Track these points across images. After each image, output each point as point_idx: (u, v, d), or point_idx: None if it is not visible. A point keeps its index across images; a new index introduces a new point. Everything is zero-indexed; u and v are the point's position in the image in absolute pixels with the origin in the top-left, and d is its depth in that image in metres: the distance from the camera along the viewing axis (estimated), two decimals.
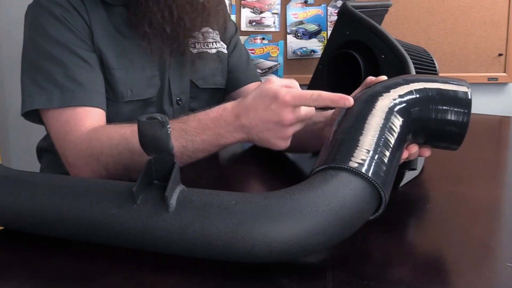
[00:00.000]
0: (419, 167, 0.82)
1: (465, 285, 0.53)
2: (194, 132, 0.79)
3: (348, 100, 0.66)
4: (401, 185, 0.79)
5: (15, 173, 0.65)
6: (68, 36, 0.91)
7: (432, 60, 1.14)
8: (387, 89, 0.63)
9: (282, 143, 0.76)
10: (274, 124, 0.74)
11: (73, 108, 0.87)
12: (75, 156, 0.85)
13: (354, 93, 0.74)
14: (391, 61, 0.99)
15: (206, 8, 1.00)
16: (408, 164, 0.72)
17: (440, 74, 1.19)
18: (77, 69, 0.89)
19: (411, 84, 0.63)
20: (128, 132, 0.81)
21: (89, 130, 0.86)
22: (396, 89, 0.63)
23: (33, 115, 0.92)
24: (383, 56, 1.01)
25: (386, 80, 0.68)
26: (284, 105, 0.72)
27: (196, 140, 0.79)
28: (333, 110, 0.83)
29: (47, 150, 1.09)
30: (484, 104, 1.68)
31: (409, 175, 0.80)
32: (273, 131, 0.75)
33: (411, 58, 0.97)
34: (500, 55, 1.69)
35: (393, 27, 1.70)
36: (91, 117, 0.88)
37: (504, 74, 1.70)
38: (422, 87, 0.63)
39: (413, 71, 0.96)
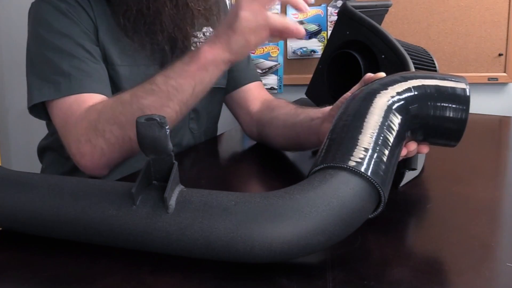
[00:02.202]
0: (419, 167, 0.82)
1: (465, 285, 0.53)
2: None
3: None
4: (401, 185, 0.79)
5: (14, 174, 0.64)
6: (73, 28, 0.92)
7: (432, 60, 1.14)
8: (384, 86, 0.63)
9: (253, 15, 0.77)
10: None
11: (79, 95, 0.87)
12: (76, 137, 0.84)
13: (352, 90, 0.74)
14: (391, 61, 0.99)
15: (190, 8, 1.00)
16: (408, 164, 0.72)
17: None
18: (83, 59, 0.90)
19: (409, 81, 0.63)
20: (121, 93, 0.83)
21: (88, 106, 0.85)
22: (394, 86, 0.63)
23: (38, 110, 0.92)
24: (383, 56, 1.00)
25: (384, 77, 0.68)
26: None
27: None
28: (331, 106, 0.83)
29: (49, 149, 1.09)
30: (484, 104, 1.68)
31: (409, 175, 0.80)
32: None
33: (411, 58, 0.97)
34: (500, 55, 1.68)
35: (393, 27, 1.70)
36: (95, 99, 0.88)
37: (504, 74, 1.69)
38: (420, 84, 0.63)
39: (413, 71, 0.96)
